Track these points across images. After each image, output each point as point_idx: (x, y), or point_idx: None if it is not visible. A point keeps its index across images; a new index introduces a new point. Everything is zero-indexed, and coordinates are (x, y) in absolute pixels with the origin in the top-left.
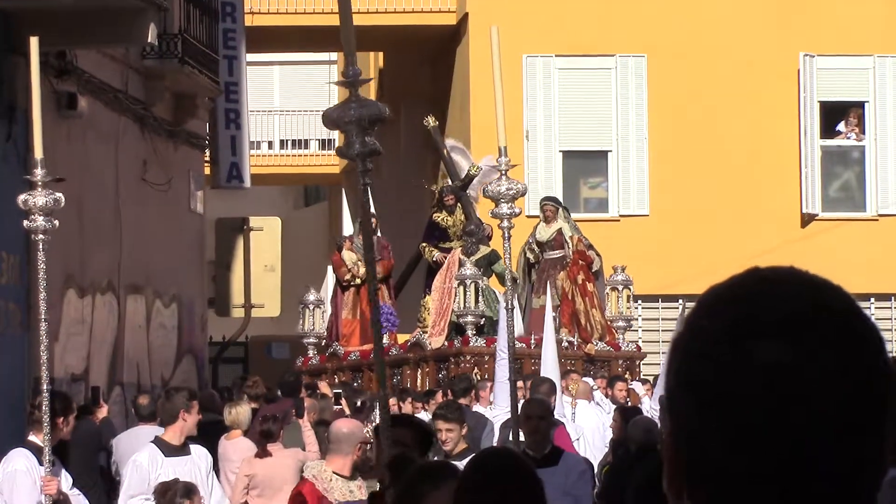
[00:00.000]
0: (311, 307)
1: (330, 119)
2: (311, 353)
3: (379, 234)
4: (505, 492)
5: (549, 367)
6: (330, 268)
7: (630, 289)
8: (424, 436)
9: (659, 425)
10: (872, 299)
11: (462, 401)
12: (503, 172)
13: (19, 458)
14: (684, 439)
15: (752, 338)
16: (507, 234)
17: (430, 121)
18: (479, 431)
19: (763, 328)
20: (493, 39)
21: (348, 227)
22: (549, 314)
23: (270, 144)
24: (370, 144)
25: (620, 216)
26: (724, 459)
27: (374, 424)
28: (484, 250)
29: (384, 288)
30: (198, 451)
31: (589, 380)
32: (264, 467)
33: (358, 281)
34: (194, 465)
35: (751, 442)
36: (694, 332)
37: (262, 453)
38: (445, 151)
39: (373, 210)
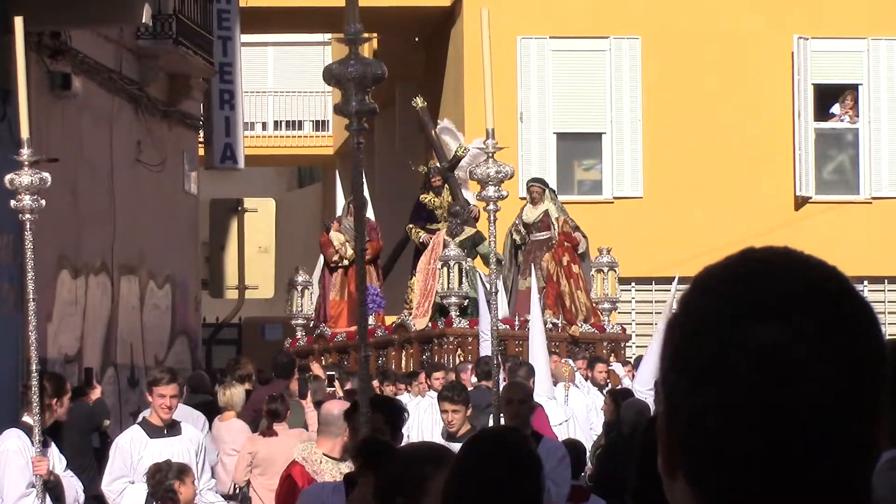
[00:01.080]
0: (300, 288)
1: (331, 74)
2: (299, 334)
3: (368, 215)
4: (499, 474)
5: (537, 349)
6: None
7: (616, 271)
8: (394, 414)
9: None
10: (866, 282)
11: (485, 383)
12: (490, 155)
13: (12, 438)
14: (679, 420)
15: (747, 319)
16: (492, 217)
17: (419, 101)
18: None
19: (758, 309)
20: (483, 22)
21: (342, 208)
22: (535, 296)
23: (264, 125)
24: (368, 103)
25: (614, 198)
26: (719, 441)
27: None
28: (469, 231)
29: (372, 269)
30: (189, 432)
31: (569, 361)
32: (268, 446)
33: (346, 262)
34: (183, 447)
35: (746, 424)
36: (689, 313)
37: (268, 432)
38: (434, 132)
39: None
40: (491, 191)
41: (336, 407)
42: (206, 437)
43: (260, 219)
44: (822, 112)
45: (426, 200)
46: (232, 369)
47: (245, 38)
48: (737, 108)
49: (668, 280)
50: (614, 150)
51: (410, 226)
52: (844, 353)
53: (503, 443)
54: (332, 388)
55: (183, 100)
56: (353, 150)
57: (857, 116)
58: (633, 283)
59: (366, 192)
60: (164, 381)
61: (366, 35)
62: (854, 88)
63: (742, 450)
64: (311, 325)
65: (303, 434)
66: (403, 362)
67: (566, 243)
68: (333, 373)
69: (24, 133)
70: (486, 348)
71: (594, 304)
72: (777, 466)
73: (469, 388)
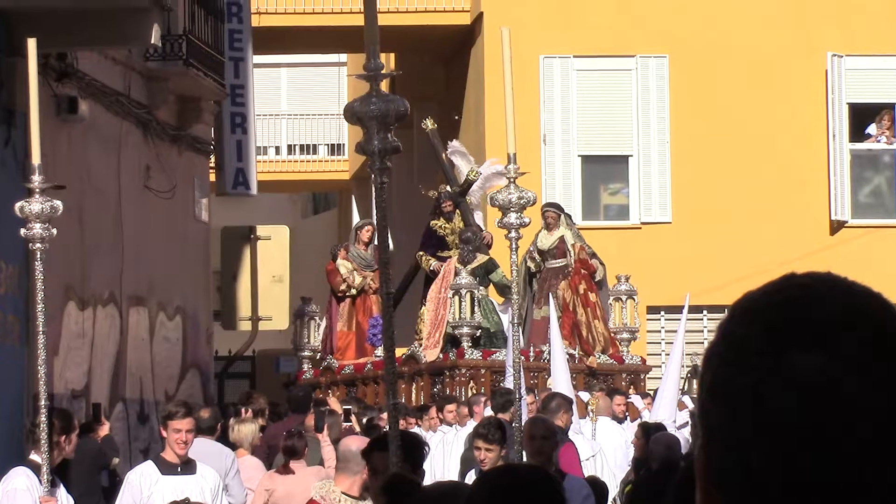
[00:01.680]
0: (307, 319)
1: (352, 112)
2: (305, 366)
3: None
4: None
5: (560, 381)
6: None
7: (635, 299)
8: (411, 450)
9: (681, 442)
10: None
11: (502, 416)
12: (512, 180)
13: (20, 476)
14: (718, 452)
15: (788, 348)
16: (514, 245)
17: (428, 123)
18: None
19: (800, 338)
20: (503, 42)
21: (350, 235)
22: (555, 326)
23: (278, 150)
24: (390, 141)
25: (642, 223)
26: (759, 475)
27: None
28: (481, 259)
29: (381, 298)
30: (205, 471)
31: (584, 394)
32: (285, 484)
33: (353, 291)
34: (197, 486)
35: (787, 458)
36: (728, 341)
37: (284, 470)
38: (444, 156)
39: (373, 219)
40: (512, 217)
41: (354, 443)
42: (234, 476)
43: (273, 247)
44: (857, 132)
45: (437, 226)
46: (245, 404)
47: (257, 58)
48: (769, 129)
49: (699, 309)
50: (641, 173)
51: (420, 253)
52: (888, 382)
53: (519, 478)
54: (349, 423)
55: (193, 123)
56: (376, 190)
57: (895, 137)
58: (662, 312)
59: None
60: (179, 414)
61: (382, 55)
62: (890, 107)
63: (783, 485)
64: (318, 356)
65: (321, 472)
66: (414, 395)
67: (583, 270)
68: (350, 407)
69: (36, 159)
70: (509, 383)
71: (612, 334)
72: (819, 499)
73: None
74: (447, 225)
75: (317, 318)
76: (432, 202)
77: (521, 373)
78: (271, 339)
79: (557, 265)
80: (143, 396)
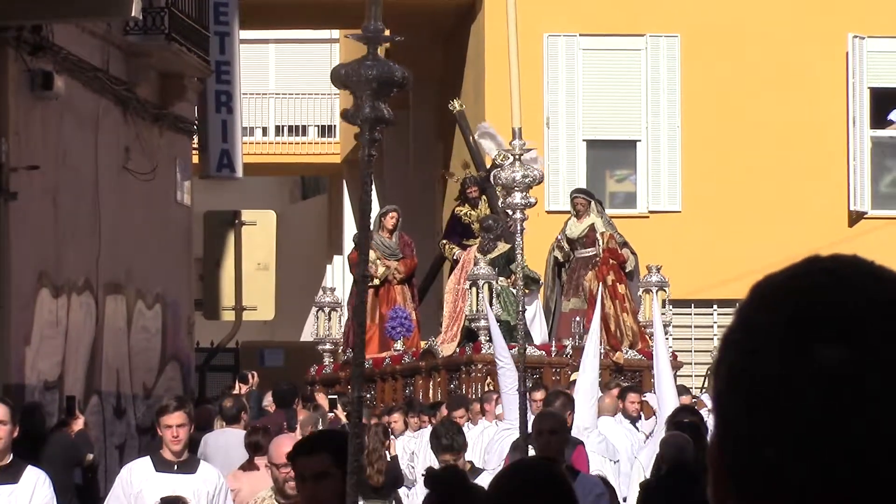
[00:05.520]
0: (327, 310)
1: (338, 76)
2: (326, 360)
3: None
4: None
5: (587, 379)
6: (329, 267)
7: (666, 290)
8: (342, 451)
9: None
10: None
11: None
12: (517, 157)
13: None
14: (733, 445)
15: (811, 339)
16: (520, 227)
17: (456, 105)
18: None
19: (823, 326)
20: (508, 12)
21: (350, 222)
22: (596, 322)
23: (265, 131)
24: (379, 110)
25: (650, 212)
26: (777, 469)
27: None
28: (502, 247)
29: (406, 290)
30: (207, 472)
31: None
32: (251, 481)
33: (377, 281)
34: (193, 486)
35: (806, 454)
36: (747, 327)
37: (249, 466)
38: (472, 138)
39: (391, 204)
40: (517, 197)
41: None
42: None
43: (259, 233)
44: (879, 119)
45: (462, 213)
46: (243, 381)
47: (244, 34)
48: (785, 115)
49: (709, 303)
50: (650, 159)
51: (444, 242)
52: None
53: (534, 474)
54: (332, 414)
55: (176, 102)
56: (363, 164)
57: None
58: (669, 306)
59: (375, 205)
60: (170, 408)
61: (388, 33)
62: None
63: (800, 481)
64: (340, 350)
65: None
66: (431, 392)
67: (611, 260)
68: (335, 396)
69: None
70: (505, 377)
71: (642, 328)
72: (840, 495)
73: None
74: (472, 212)
75: (337, 309)
76: (442, 187)
77: (521, 367)
78: (256, 329)
79: (587, 255)
80: (119, 389)
